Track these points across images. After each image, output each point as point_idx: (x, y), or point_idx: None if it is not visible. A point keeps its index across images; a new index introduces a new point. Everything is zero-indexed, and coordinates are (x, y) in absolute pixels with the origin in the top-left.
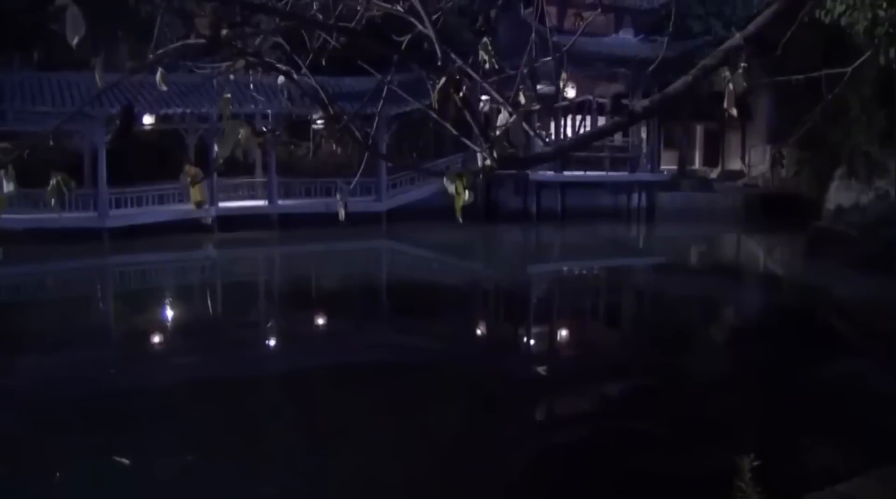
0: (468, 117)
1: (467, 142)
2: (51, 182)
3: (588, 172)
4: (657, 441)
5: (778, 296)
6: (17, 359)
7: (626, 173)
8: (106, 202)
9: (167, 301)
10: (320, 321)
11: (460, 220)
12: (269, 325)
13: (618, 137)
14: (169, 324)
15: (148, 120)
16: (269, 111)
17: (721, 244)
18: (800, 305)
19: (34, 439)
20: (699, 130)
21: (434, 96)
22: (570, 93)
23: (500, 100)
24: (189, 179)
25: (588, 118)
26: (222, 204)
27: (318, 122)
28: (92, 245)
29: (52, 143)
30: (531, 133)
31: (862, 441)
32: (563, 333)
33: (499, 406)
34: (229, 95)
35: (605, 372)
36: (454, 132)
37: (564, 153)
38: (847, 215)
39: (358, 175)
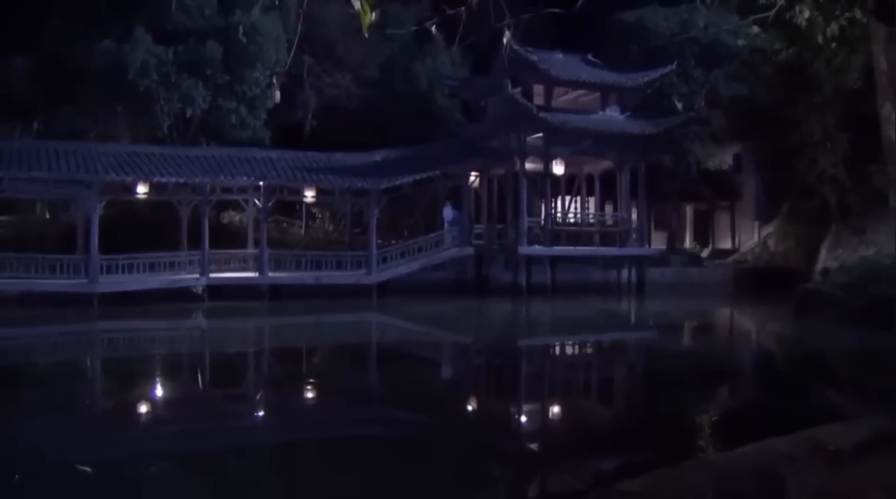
0: None
1: None
2: None
3: (578, 247)
4: None
5: (765, 358)
6: None
7: (615, 248)
8: (97, 268)
9: (152, 369)
10: (308, 394)
11: (366, 34)
12: (255, 397)
13: (609, 215)
14: (152, 393)
15: (142, 189)
16: (261, 183)
17: (711, 315)
18: (785, 365)
19: None
20: (689, 210)
21: None
22: (559, 169)
23: None
24: None
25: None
26: (213, 274)
27: (309, 197)
28: (81, 310)
29: (48, 215)
30: None
31: None
32: (555, 407)
33: (491, 482)
34: None
35: (598, 447)
36: None
37: None
38: (833, 276)
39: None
